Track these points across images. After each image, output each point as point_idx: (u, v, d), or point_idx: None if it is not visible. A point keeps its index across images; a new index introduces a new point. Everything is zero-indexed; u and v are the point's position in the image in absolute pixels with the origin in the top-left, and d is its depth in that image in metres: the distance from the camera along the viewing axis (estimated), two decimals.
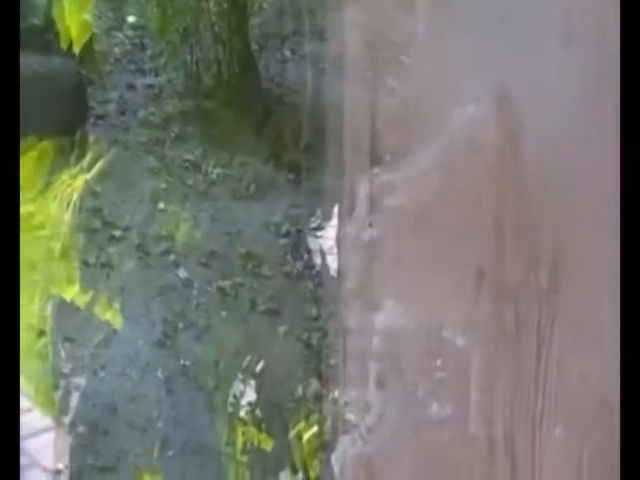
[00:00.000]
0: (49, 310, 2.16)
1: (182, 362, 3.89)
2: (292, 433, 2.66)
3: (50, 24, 7.31)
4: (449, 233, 1.40)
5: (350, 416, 1.50)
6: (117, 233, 4.91)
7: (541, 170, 1.32)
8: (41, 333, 2.15)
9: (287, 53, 7.55)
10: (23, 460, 3.40)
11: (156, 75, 7.20)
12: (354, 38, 1.54)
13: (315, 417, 2.59)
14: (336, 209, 2.99)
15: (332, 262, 2.86)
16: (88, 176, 2.29)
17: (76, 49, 2.29)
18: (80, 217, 2.15)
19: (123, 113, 6.80)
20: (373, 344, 1.45)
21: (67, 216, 2.18)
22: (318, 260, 2.91)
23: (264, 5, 7.65)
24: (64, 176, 2.21)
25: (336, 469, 1.58)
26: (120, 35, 7.19)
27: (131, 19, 7.46)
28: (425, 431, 1.43)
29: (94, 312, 2.29)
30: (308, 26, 7.58)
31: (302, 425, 2.65)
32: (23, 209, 2.15)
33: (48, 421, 3.64)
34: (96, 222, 4.30)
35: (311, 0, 6.94)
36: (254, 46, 7.02)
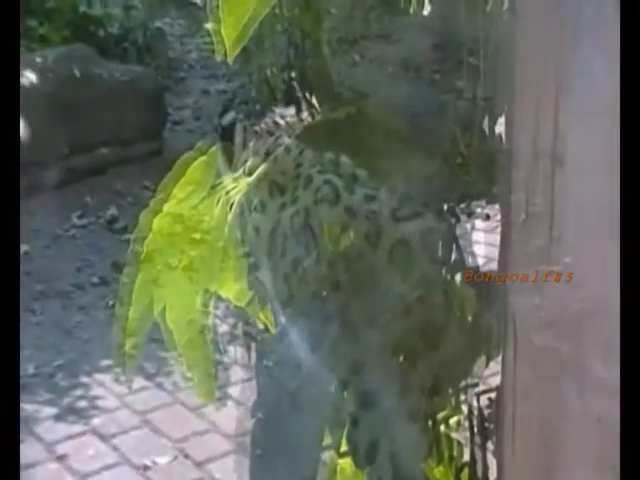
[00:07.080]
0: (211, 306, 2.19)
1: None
2: None
3: (126, 33, 7.36)
4: None
5: None
6: None
7: None
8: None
9: (356, 57, 7.56)
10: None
11: (229, 81, 7.23)
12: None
13: None
14: None
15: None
16: (249, 180, 2.32)
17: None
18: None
19: (198, 119, 6.83)
20: None
21: (229, 217, 2.21)
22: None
23: (332, 10, 7.67)
24: (227, 179, 2.24)
25: None
26: (194, 42, 7.21)
27: (206, 25, 7.44)
28: None
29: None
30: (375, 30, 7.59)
31: None
32: (193, 210, 2.20)
33: None
34: None
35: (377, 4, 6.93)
36: (326, 50, 7.04)
